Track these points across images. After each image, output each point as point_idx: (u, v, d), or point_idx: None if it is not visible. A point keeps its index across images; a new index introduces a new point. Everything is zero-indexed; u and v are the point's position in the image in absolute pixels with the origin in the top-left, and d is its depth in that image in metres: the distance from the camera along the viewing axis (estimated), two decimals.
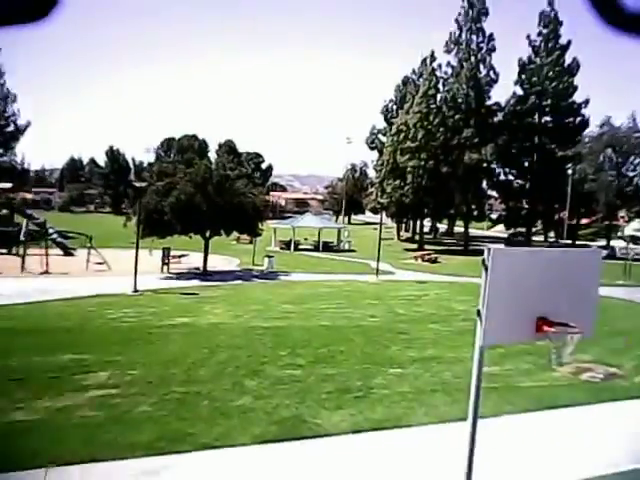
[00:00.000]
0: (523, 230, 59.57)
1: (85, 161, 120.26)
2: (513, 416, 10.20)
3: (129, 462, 8.13)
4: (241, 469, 7.99)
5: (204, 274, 30.45)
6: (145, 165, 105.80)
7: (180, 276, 29.80)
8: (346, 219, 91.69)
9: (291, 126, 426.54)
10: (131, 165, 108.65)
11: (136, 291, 23.49)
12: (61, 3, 1.18)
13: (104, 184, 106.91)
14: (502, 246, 55.35)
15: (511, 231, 62.03)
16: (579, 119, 58.68)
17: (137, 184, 28.43)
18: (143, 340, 15.15)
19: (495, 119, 59.48)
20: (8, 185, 50.29)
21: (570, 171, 58.14)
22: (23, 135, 61.86)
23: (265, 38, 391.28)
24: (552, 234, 63.92)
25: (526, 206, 59.83)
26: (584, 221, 62.44)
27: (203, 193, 30.30)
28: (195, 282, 27.64)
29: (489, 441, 7.26)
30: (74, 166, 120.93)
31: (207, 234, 31.33)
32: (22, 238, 31.89)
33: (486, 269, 7.15)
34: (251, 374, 12.47)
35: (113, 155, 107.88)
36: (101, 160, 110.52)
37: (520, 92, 58.98)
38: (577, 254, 8.48)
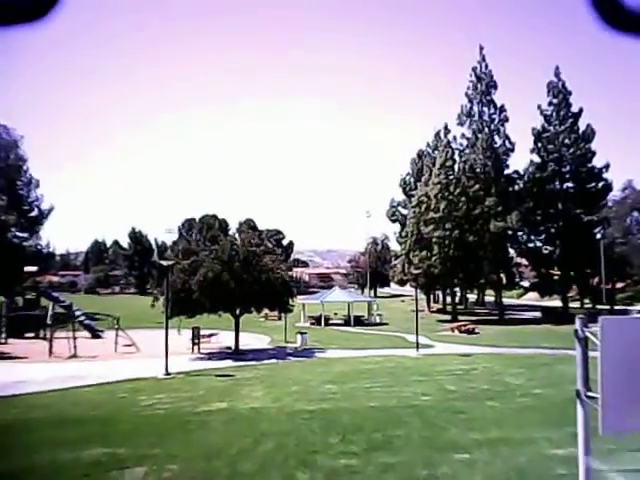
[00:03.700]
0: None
1: (109, 243, 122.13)
2: None
3: None
4: None
5: (236, 353, 29.37)
6: (169, 245, 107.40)
7: (212, 356, 28.72)
8: (372, 292, 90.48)
9: (307, 202, 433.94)
10: (154, 246, 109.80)
11: (168, 374, 22.40)
12: (60, 3, 1.19)
13: (128, 265, 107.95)
14: (539, 314, 53.97)
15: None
16: (602, 184, 58.23)
17: (163, 262, 27.83)
18: (180, 429, 13.96)
19: (516, 187, 59.59)
20: (34, 268, 50.51)
21: (599, 235, 57.16)
22: (47, 219, 62.89)
23: (273, 112, 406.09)
24: (587, 300, 61.97)
25: (558, 272, 58.45)
26: (619, 285, 60.55)
27: (230, 270, 29.65)
28: (228, 362, 26.50)
29: None
30: (98, 248, 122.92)
31: (237, 312, 30.43)
32: (49, 321, 31.35)
33: (581, 340, 6.14)
34: (302, 465, 11.18)
35: (136, 236, 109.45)
36: (124, 242, 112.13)
37: (537, 160, 59.09)
38: None
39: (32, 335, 37.31)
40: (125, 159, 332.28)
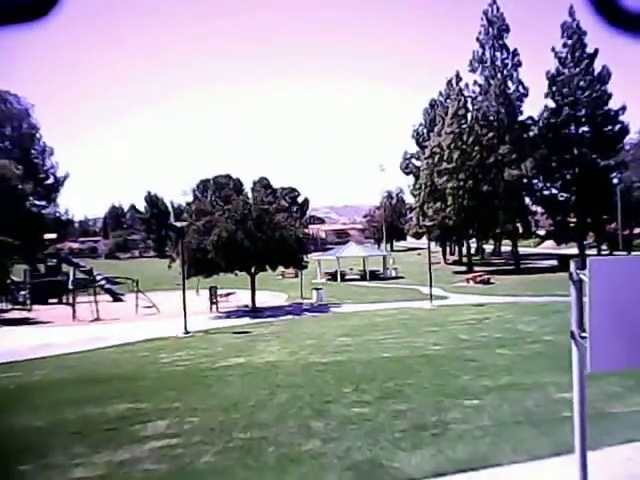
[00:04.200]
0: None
1: (126, 208, 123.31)
2: (615, 448, 9.04)
3: None
4: None
5: (254, 311, 30.02)
6: (184, 207, 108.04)
7: (230, 314, 29.42)
8: (388, 246, 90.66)
9: (321, 159, 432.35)
10: (170, 208, 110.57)
11: (187, 333, 23.07)
12: (60, 3, 1.19)
13: (146, 229, 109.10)
14: (556, 262, 53.83)
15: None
16: (618, 127, 56.76)
17: (177, 224, 28.25)
18: (199, 384, 14.52)
19: (530, 133, 58.26)
20: (53, 235, 51.42)
21: (616, 180, 56.20)
22: (62, 186, 63.64)
23: (286, 71, 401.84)
24: (605, 246, 61.50)
25: (574, 220, 57.89)
26: (637, 230, 59.85)
27: (244, 229, 29.94)
28: (246, 320, 27.13)
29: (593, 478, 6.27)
30: (116, 214, 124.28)
31: (252, 270, 30.89)
32: (70, 286, 32.16)
33: (575, 283, 6.30)
34: (316, 414, 11.63)
35: (152, 200, 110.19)
36: (141, 206, 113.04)
37: (552, 104, 57.58)
38: None
39: (55, 301, 38.36)
40: (139, 129, 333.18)
